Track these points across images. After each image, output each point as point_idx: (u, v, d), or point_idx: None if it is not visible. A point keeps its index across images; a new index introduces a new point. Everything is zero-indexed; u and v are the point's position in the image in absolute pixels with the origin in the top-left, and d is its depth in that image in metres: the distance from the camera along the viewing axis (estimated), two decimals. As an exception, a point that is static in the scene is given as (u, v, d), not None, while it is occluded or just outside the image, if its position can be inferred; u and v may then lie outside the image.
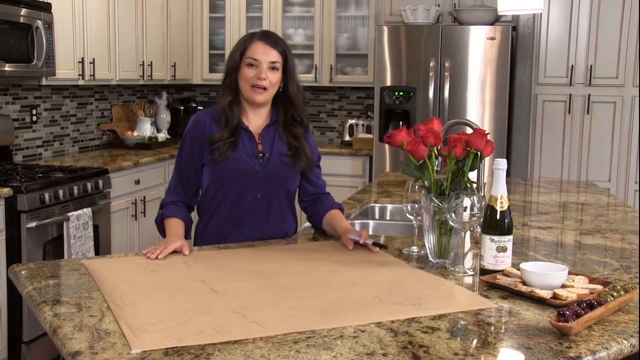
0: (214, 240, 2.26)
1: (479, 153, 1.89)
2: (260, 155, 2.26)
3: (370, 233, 2.73)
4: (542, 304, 1.59)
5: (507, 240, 1.81)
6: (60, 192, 3.52)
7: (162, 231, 2.26)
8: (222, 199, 2.27)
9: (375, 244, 2.07)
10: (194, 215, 2.35)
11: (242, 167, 2.23)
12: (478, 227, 1.92)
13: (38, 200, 3.37)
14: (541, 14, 4.87)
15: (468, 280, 1.83)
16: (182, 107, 5.80)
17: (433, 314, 1.52)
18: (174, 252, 2.03)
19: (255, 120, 2.29)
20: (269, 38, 2.23)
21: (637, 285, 1.63)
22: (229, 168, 2.23)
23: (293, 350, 1.31)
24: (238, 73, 2.22)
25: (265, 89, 2.20)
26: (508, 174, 3.98)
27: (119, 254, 2.10)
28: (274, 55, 2.20)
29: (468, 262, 1.99)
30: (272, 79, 2.20)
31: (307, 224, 2.44)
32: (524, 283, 1.68)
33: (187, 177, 2.30)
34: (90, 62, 4.34)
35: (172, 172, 2.40)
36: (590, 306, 1.47)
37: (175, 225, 2.20)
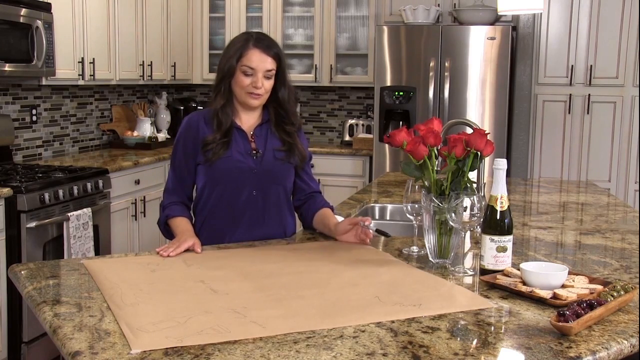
0: (211, 240, 2.26)
1: (479, 153, 1.89)
2: (254, 152, 2.28)
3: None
4: (542, 304, 1.59)
5: (507, 240, 1.81)
6: (60, 192, 3.52)
7: (167, 233, 2.29)
8: (218, 197, 2.28)
9: (379, 232, 2.15)
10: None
11: (235, 165, 2.25)
12: (478, 227, 1.92)
13: (38, 200, 3.37)
14: (541, 14, 4.87)
15: (468, 280, 1.83)
16: (182, 107, 5.80)
17: (433, 314, 1.52)
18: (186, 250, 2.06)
19: (248, 119, 2.32)
20: (264, 43, 2.24)
21: (637, 285, 1.63)
22: (223, 167, 2.24)
23: (293, 350, 1.31)
24: (232, 78, 2.24)
25: (260, 95, 2.24)
26: (508, 174, 3.98)
27: (119, 254, 2.10)
28: (269, 63, 2.22)
29: (468, 262, 1.98)
30: (267, 86, 2.25)
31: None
32: (524, 283, 1.68)
33: (182, 178, 2.32)
34: (90, 62, 4.34)
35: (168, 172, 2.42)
36: (590, 306, 1.47)
37: (184, 224, 2.24)
